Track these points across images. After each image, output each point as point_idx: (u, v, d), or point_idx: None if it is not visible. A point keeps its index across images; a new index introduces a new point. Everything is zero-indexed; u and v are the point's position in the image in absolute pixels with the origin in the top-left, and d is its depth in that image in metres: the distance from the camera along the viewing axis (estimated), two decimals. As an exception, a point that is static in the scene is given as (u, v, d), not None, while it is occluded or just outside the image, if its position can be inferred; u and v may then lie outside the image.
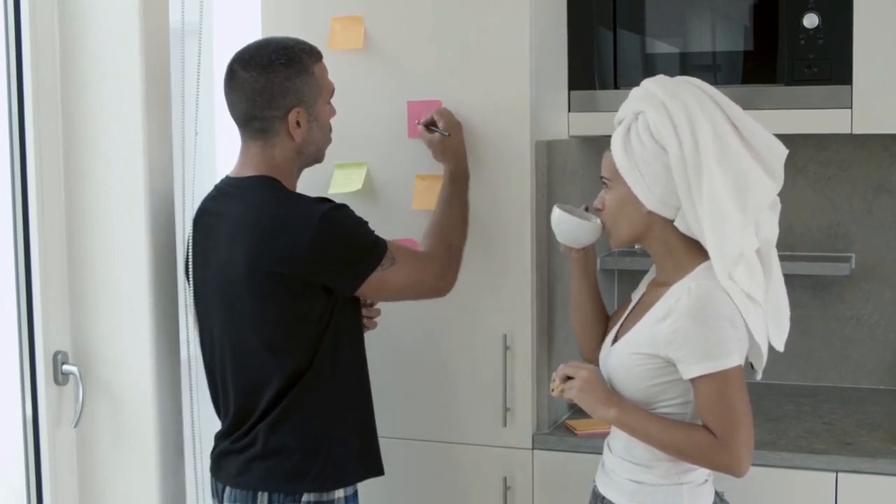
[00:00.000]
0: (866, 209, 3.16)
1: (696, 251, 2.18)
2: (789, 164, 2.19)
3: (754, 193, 2.13)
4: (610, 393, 2.18)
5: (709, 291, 2.10)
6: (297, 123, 2.35)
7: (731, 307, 2.10)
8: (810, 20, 2.76)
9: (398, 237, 2.64)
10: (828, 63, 2.76)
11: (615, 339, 2.28)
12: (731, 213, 2.11)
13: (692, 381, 2.10)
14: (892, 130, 2.82)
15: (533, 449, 2.75)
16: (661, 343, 2.12)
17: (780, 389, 3.14)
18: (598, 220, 2.32)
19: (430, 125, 2.65)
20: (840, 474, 2.55)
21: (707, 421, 2.10)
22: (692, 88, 2.17)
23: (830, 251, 3.18)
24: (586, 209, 2.42)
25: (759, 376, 2.22)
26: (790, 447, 2.63)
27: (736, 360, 2.09)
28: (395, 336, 2.77)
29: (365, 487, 2.48)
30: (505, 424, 2.74)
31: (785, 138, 2.22)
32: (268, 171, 2.36)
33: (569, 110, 2.95)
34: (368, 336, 2.59)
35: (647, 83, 2.21)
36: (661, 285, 2.22)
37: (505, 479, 2.75)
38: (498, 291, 2.74)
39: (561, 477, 2.73)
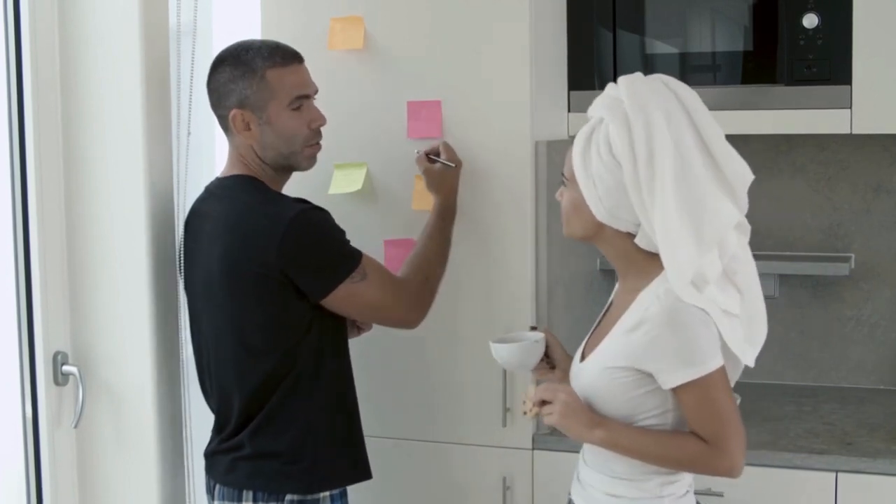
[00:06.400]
0: (866, 209, 3.16)
1: (658, 256, 2.05)
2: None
3: (712, 222, 2.01)
4: (592, 414, 2.07)
5: (679, 296, 2.00)
6: (248, 126, 2.36)
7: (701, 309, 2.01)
8: (810, 20, 2.76)
9: (398, 237, 2.64)
10: (827, 63, 2.76)
11: (583, 355, 2.18)
12: (684, 240, 2.00)
13: (674, 390, 2.01)
14: (891, 130, 2.81)
15: (533, 449, 2.75)
16: (635, 355, 2.03)
17: (780, 389, 3.14)
18: (541, 335, 2.28)
19: (432, 154, 2.64)
20: (840, 474, 2.55)
21: (696, 427, 2.02)
22: (666, 97, 2.04)
23: (830, 251, 3.18)
24: (533, 328, 2.38)
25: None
26: (790, 447, 2.62)
27: (717, 361, 2.00)
28: (394, 336, 2.76)
29: (364, 488, 2.48)
30: (505, 424, 2.74)
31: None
32: (247, 171, 2.38)
33: (569, 110, 2.94)
34: (369, 336, 2.59)
35: (622, 83, 2.08)
36: (627, 293, 2.12)
37: (504, 479, 2.75)
38: (498, 291, 2.73)
39: (561, 477, 2.72)
